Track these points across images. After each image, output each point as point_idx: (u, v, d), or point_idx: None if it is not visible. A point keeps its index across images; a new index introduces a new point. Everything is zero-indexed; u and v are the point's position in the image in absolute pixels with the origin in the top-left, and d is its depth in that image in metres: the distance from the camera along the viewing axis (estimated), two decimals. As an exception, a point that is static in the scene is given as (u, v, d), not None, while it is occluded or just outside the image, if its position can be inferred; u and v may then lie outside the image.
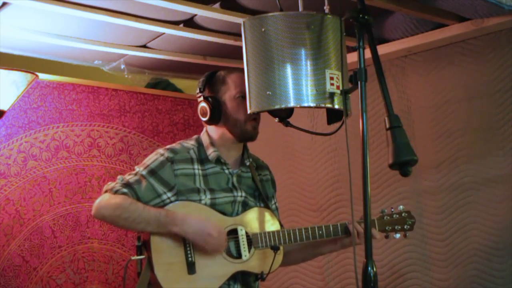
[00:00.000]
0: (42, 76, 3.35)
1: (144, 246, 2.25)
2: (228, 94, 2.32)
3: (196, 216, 2.23)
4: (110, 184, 2.30)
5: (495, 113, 2.96)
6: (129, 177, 2.30)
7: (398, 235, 2.45)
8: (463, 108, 3.07)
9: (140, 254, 2.24)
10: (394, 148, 1.68)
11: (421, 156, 2.85)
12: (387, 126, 1.71)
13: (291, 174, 3.62)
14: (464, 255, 3.02)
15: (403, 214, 2.45)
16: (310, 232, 2.34)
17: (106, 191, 2.28)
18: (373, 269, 1.66)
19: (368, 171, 1.69)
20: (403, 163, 1.67)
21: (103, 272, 3.55)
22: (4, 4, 2.55)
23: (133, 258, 2.25)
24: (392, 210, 2.46)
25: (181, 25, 2.98)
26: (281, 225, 2.51)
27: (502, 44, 2.94)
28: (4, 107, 3.04)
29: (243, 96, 2.28)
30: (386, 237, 2.45)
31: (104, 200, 2.25)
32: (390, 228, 2.43)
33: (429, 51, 3.17)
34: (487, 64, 2.99)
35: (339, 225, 2.37)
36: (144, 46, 3.25)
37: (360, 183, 1.69)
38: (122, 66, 3.46)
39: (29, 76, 3.05)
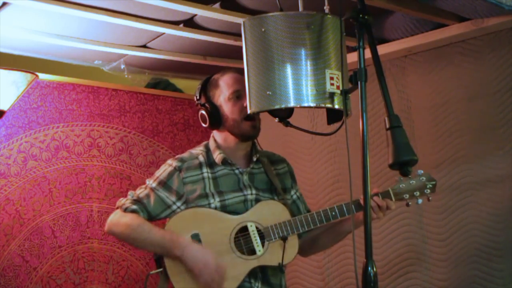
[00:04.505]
0: (42, 76, 3.35)
1: (161, 259, 2.27)
2: (222, 97, 2.34)
3: (199, 247, 2.23)
4: (122, 201, 2.34)
5: (495, 113, 2.96)
6: (139, 192, 2.35)
7: (420, 201, 2.35)
8: (463, 108, 3.07)
9: (159, 267, 2.26)
10: (394, 148, 1.68)
11: (421, 156, 2.85)
12: (387, 126, 1.71)
13: (291, 174, 3.62)
14: (464, 255, 3.02)
15: (421, 178, 2.36)
16: (322, 215, 2.30)
17: (117, 208, 2.34)
18: (373, 269, 1.66)
19: (368, 171, 1.69)
20: (403, 163, 1.67)
21: (103, 272, 3.55)
22: (4, 4, 2.55)
23: (151, 272, 2.29)
24: (410, 176, 2.33)
25: (181, 25, 2.98)
26: (309, 211, 2.46)
27: (502, 44, 2.94)
28: (4, 107, 3.04)
29: (237, 96, 2.30)
30: (407, 205, 2.35)
31: (115, 218, 2.32)
32: (408, 195, 2.33)
33: (429, 51, 3.17)
34: (487, 64, 2.99)
35: (351, 202, 2.28)
36: (144, 46, 3.25)
37: (360, 183, 1.69)
38: (122, 66, 3.46)
39: (29, 76, 3.05)
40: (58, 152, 3.47)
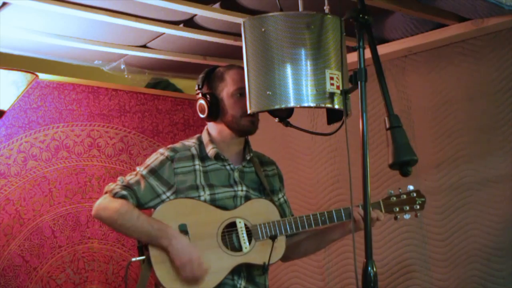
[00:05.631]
0: (42, 76, 3.35)
1: (145, 247, 2.26)
2: (225, 91, 2.33)
3: (184, 240, 2.21)
4: (111, 186, 2.31)
5: (495, 113, 2.96)
6: (129, 178, 2.32)
7: (408, 216, 2.39)
8: (463, 108, 3.07)
9: (142, 255, 2.25)
10: (394, 148, 1.68)
11: (421, 156, 2.85)
12: (387, 126, 1.71)
13: (291, 174, 3.62)
14: (464, 255, 3.02)
15: (411, 194, 2.39)
16: (312, 219, 2.31)
17: (106, 192, 2.31)
18: (373, 269, 1.66)
19: (368, 171, 1.69)
20: (403, 163, 1.67)
21: (103, 272, 3.55)
22: (4, 4, 2.55)
23: (133, 259, 2.26)
24: (400, 190, 2.40)
25: (181, 25, 2.98)
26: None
27: (502, 44, 2.94)
28: (4, 107, 3.04)
29: (240, 93, 2.29)
30: (395, 218, 2.39)
31: (104, 202, 2.28)
32: (398, 209, 2.37)
33: (429, 51, 3.17)
34: (487, 64, 2.98)
35: (342, 210, 2.33)
36: (144, 46, 3.25)
37: (360, 183, 1.69)
38: (122, 66, 3.46)
39: (29, 76, 3.05)
40: (58, 152, 3.47)
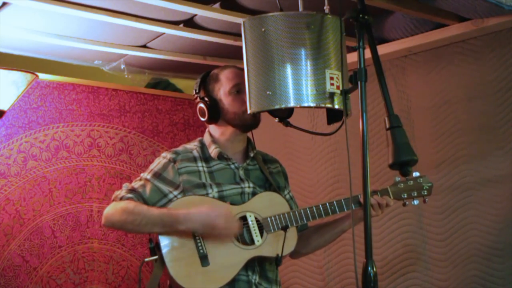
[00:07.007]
0: (42, 76, 3.35)
1: (157, 247, 2.26)
2: (222, 91, 2.34)
3: (197, 209, 2.22)
4: (116, 193, 2.33)
5: (495, 113, 2.96)
6: (134, 183, 2.34)
7: (416, 202, 2.40)
8: (463, 108, 3.07)
9: (154, 255, 2.26)
10: (394, 148, 1.68)
11: (421, 156, 2.85)
12: (387, 126, 1.71)
13: (291, 174, 3.58)
14: (464, 255, 3.02)
15: (418, 180, 2.41)
16: (322, 209, 2.32)
17: (113, 200, 2.32)
18: (373, 269, 1.66)
19: (368, 171, 1.69)
20: (403, 163, 1.68)
21: (103, 272, 3.55)
22: (4, 4, 2.55)
23: (146, 259, 2.27)
24: (407, 177, 2.40)
25: (181, 25, 2.98)
26: None
27: (502, 44, 2.94)
28: (4, 107, 3.04)
29: (237, 90, 2.30)
30: (404, 204, 2.40)
31: (111, 208, 2.29)
32: (406, 195, 2.38)
33: (429, 51, 3.17)
34: (487, 64, 2.98)
35: (351, 202, 2.33)
36: (144, 46, 3.25)
37: (360, 183, 1.69)
38: (122, 66, 3.46)
39: (29, 76, 3.05)
40: (58, 152, 3.47)
